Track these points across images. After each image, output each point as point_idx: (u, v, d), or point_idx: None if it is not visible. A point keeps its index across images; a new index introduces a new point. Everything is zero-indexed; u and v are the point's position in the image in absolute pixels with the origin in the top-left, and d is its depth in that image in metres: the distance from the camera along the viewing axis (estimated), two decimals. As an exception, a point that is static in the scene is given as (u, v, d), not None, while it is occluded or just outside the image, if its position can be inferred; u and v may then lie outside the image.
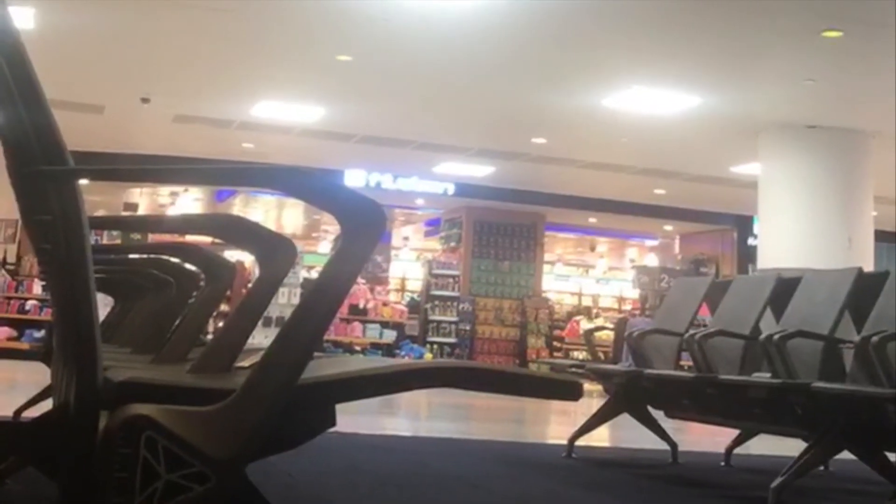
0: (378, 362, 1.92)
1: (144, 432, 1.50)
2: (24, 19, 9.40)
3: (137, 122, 14.18)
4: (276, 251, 2.32)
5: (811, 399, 4.36)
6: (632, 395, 5.92)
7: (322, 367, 1.93)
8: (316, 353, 2.69)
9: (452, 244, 19.80)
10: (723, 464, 5.91)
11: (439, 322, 18.51)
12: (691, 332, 5.51)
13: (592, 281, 23.23)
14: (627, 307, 21.29)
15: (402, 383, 1.75)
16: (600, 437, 6.99)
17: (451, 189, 17.79)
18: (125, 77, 11.95)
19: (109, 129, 14.54)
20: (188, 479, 1.51)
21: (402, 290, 21.54)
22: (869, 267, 8.46)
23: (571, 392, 1.76)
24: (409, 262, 22.34)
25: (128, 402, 1.56)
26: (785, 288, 5.49)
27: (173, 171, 1.57)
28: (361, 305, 16.20)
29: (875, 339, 4.14)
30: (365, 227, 1.61)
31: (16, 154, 1.64)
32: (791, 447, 4.75)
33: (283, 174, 1.65)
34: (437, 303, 18.63)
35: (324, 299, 1.64)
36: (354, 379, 1.72)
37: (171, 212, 19.46)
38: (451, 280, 18.86)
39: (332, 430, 1.84)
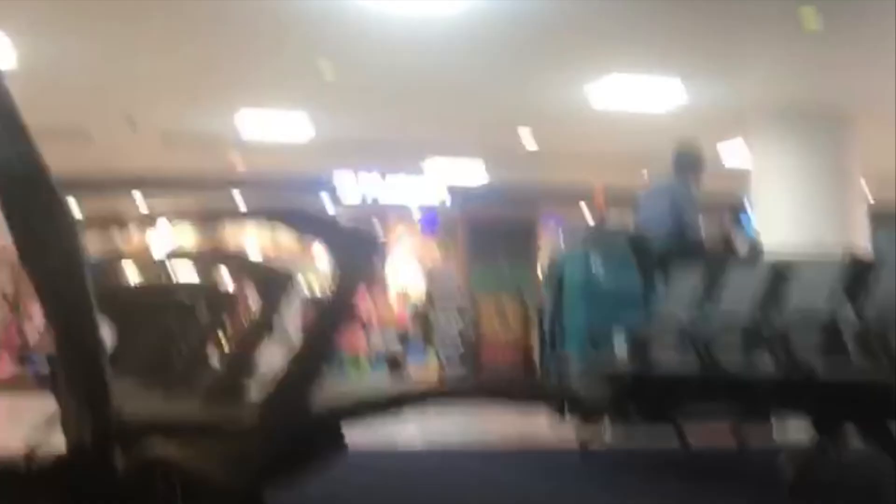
0: (380, 385, 1.97)
1: (162, 470, 1.55)
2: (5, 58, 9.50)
3: (126, 151, 14.29)
4: (274, 284, 2.38)
5: (816, 388, 4.40)
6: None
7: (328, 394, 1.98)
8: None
9: (449, 249, 19.86)
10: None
11: (442, 327, 18.53)
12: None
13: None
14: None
15: (404, 403, 1.80)
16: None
17: (447, 200, 17.99)
18: (110, 104, 12.05)
19: (98, 159, 14.60)
20: (208, 511, 1.57)
21: (404, 296, 21.54)
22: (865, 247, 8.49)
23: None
24: (407, 267, 22.33)
25: (143, 439, 1.61)
26: (778, 275, 5.54)
27: (186, 212, 1.62)
28: (363, 315, 16.24)
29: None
30: (360, 259, 1.66)
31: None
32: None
33: (288, 215, 1.72)
34: (439, 307, 18.66)
35: (326, 327, 1.69)
36: (360, 404, 1.77)
37: (164, 236, 19.47)
38: (450, 284, 18.91)
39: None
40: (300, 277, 13.83)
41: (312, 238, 1.73)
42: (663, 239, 7.09)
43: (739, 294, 5.75)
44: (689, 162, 7.48)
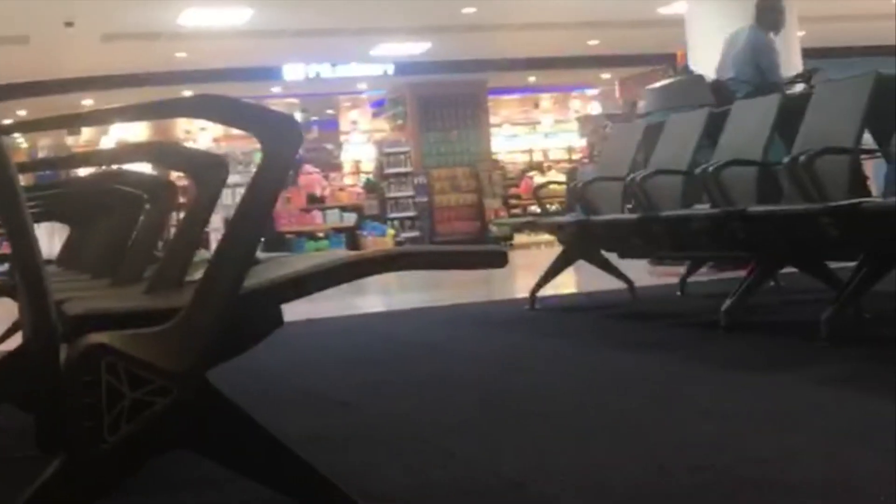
0: (319, 258, 2.02)
1: (103, 359, 1.61)
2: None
3: (64, 47, 13.95)
4: (208, 170, 2.42)
5: (749, 223, 4.53)
6: (584, 242, 6.11)
7: (267, 271, 2.04)
8: (273, 254, 2.82)
9: (400, 122, 19.78)
10: (679, 293, 6.13)
11: (397, 198, 18.61)
12: (632, 175, 5.64)
13: (541, 136, 23.23)
14: (578, 157, 21.40)
15: (340, 276, 1.85)
16: (566, 285, 7.20)
17: (390, 69, 17.74)
18: (47, 4, 11.74)
19: (36, 58, 14.29)
20: (152, 394, 1.64)
21: (357, 172, 21.51)
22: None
23: (496, 260, 1.85)
24: (360, 145, 22.28)
25: (84, 332, 1.68)
26: (717, 121, 5.62)
27: (91, 114, 1.66)
28: (318, 193, 16.21)
29: (802, 158, 4.29)
30: (282, 140, 1.71)
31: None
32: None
33: (196, 103, 1.75)
34: (392, 180, 18.71)
35: (254, 211, 1.75)
36: (294, 279, 1.82)
37: (117, 132, 19.29)
38: (402, 157, 18.92)
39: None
40: (254, 158, 13.75)
41: (231, 123, 1.77)
42: (744, 84, 7.37)
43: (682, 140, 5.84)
44: (769, 12, 7.71)
